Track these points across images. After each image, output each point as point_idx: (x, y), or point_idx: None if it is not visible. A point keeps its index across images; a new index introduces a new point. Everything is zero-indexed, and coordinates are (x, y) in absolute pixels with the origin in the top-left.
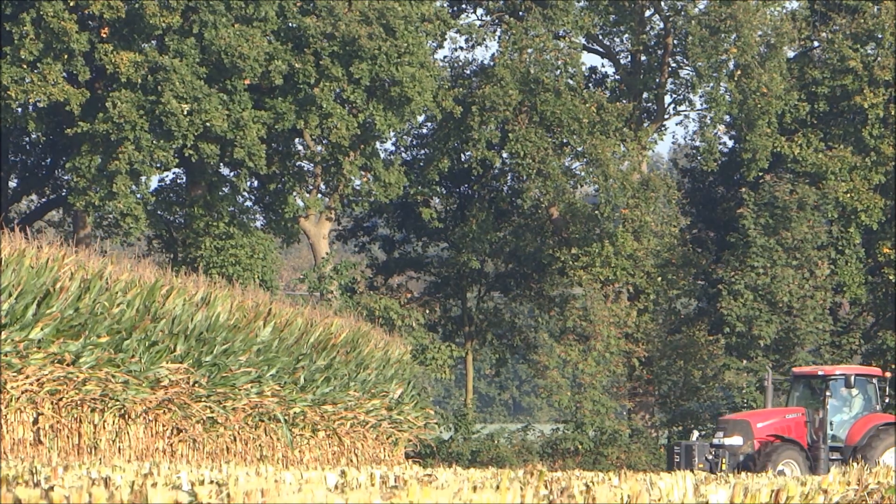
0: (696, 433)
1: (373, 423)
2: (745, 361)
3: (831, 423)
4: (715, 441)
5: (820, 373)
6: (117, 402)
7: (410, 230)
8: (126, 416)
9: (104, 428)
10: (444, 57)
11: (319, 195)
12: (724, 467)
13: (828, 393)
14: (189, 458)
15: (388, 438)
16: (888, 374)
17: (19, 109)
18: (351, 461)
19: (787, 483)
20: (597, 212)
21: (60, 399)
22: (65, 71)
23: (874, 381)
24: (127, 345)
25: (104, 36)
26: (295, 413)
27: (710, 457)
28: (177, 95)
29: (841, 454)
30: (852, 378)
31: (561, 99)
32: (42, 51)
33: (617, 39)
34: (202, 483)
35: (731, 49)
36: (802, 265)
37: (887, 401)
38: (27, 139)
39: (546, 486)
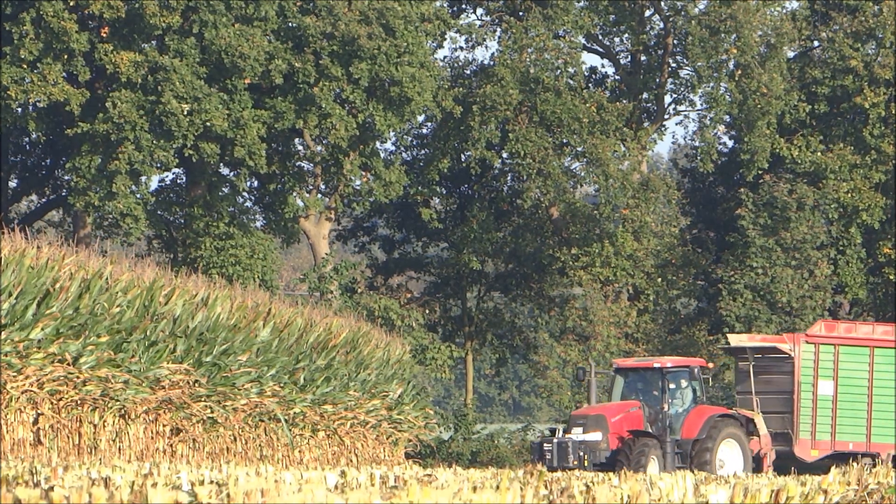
0: (560, 429)
1: (373, 423)
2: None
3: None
4: (575, 437)
5: (656, 365)
6: (117, 402)
7: (410, 230)
8: (126, 416)
9: (104, 428)
10: (444, 57)
11: (319, 195)
12: (586, 464)
13: (671, 385)
14: (189, 458)
15: (388, 438)
16: (711, 365)
17: (19, 109)
18: (351, 461)
19: (787, 483)
20: (597, 212)
21: (60, 399)
22: (65, 71)
23: (698, 371)
24: (127, 345)
25: (104, 36)
26: (295, 413)
27: (582, 453)
28: (177, 95)
29: (679, 447)
30: (696, 370)
31: (561, 99)
32: (42, 51)
33: (617, 39)
34: (202, 483)
35: (731, 49)
36: (802, 265)
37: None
38: (27, 139)
39: (546, 486)
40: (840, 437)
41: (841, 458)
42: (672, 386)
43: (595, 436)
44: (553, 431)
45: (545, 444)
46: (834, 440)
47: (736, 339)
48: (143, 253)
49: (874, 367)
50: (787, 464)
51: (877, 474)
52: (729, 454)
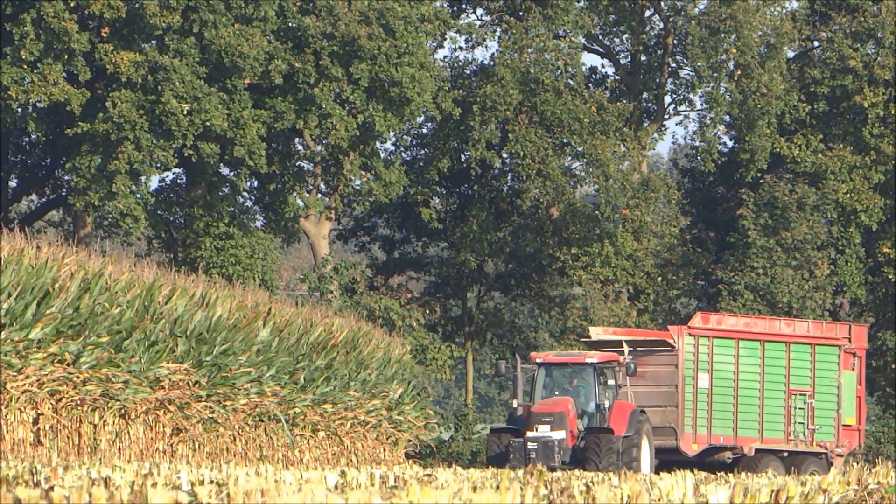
0: (539, 426)
1: (373, 423)
2: None
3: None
4: (543, 435)
5: (588, 360)
6: (117, 402)
7: (410, 230)
8: (126, 416)
9: (104, 428)
10: (444, 57)
11: (319, 195)
12: (558, 462)
13: (611, 382)
14: (189, 458)
15: (388, 438)
16: (623, 360)
17: (19, 109)
18: (351, 461)
19: (787, 483)
20: (597, 212)
21: (60, 399)
22: (65, 71)
23: (628, 365)
24: (127, 345)
25: (104, 36)
26: (295, 413)
27: (561, 451)
28: (177, 95)
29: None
30: (632, 365)
31: (561, 99)
32: (42, 51)
33: (617, 39)
34: (202, 483)
35: (731, 49)
36: (802, 265)
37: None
38: (27, 139)
39: (546, 486)
40: (715, 430)
41: (714, 453)
42: (610, 382)
43: (561, 433)
44: (518, 430)
45: (529, 444)
46: (710, 434)
47: (596, 333)
48: (143, 253)
49: (739, 359)
50: (669, 459)
51: (877, 474)
52: (643, 452)
